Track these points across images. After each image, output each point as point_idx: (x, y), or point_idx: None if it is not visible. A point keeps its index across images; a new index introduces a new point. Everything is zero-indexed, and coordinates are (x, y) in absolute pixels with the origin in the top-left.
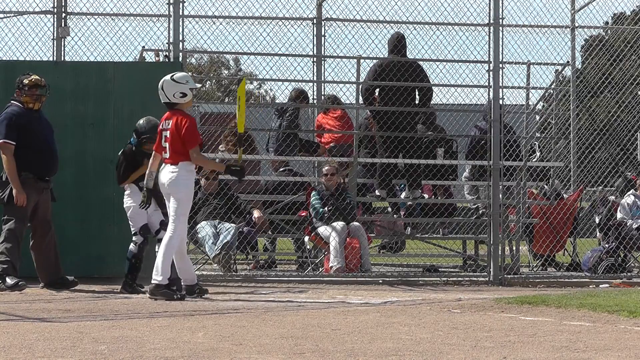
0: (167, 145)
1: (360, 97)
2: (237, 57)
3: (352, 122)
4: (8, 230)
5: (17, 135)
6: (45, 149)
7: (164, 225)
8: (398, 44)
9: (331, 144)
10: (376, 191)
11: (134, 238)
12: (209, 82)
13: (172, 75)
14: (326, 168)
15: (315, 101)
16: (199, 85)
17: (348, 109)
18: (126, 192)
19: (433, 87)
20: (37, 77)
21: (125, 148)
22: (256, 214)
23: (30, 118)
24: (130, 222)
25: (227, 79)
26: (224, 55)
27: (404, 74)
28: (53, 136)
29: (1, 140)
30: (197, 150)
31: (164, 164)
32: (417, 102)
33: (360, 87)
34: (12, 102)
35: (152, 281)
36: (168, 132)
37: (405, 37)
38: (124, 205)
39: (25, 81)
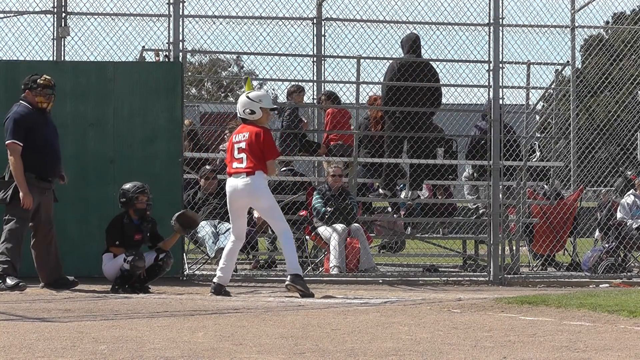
0: (242, 155)
1: (366, 97)
2: (238, 57)
3: (351, 122)
4: (9, 231)
5: (23, 135)
6: (49, 150)
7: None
8: (414, 44)
9: (339, 142)
10: (379, 189)
11: (128, 258)
12: (209, 82)
13: (249, 93)
14: (333, 169)
15: (315, 101)
16: (274, 106)
17: (348, 108)
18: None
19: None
20: (47, 76)
21: (119, 214)
22: (256, 214)
23: (36, 118)
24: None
25: (228, 79)
26: (224, 55)
27: (419, 74)
28: (57, 138)
29: (9, 141)
30: (275, 162)
31: (232, 175)
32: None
33: (359, 87)
34: (20, 102)
35: (290, 274)
36: (243, 143)
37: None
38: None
39: (40, 81)
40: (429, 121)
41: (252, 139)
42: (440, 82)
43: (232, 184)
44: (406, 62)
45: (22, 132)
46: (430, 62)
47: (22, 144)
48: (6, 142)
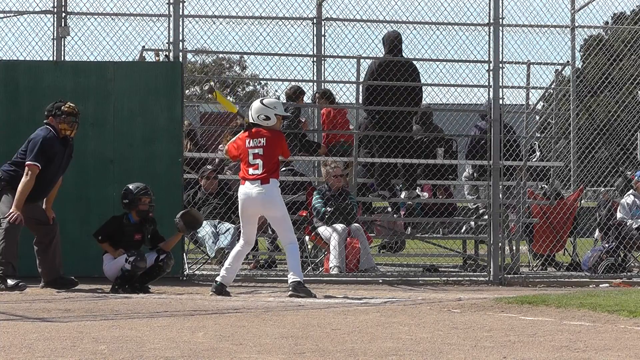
0: (258, 162)
1: (361, 97)
2: (241, 58)
3: (351, 122)
4: (4, 230)
5: (44, 161)
6: (50, 182)
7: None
8: (398, 43)
9: (341, 140)
10: (378, 190)
11: (129, 259)
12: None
13: (263, 100)
14: (335, 168)
15: (314, 101)
16: (287, 114)
17: (348, 108)
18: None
19: (433, 87)
20: (71, 104)
21: (118, 215)
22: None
23: (58, 150)
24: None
25: (230, 79)
26: (225, 55)
27: (403, 73)
28: (65, 171)
29: (31, 162)
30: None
31: (247, 181)
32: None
33: (360, 87)
34: (46, 127)
35: (291, 281)
36: (260, 149)
37: (405, 36)
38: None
39: (64, 108)
40: (406, 121)
41: (269, 144)
42: (439, 82)
43: (246, 191)
44: (389, 61)
45: (44, 158)
46: (413, 62)
47: (40, 168)
48: (27, 162)
